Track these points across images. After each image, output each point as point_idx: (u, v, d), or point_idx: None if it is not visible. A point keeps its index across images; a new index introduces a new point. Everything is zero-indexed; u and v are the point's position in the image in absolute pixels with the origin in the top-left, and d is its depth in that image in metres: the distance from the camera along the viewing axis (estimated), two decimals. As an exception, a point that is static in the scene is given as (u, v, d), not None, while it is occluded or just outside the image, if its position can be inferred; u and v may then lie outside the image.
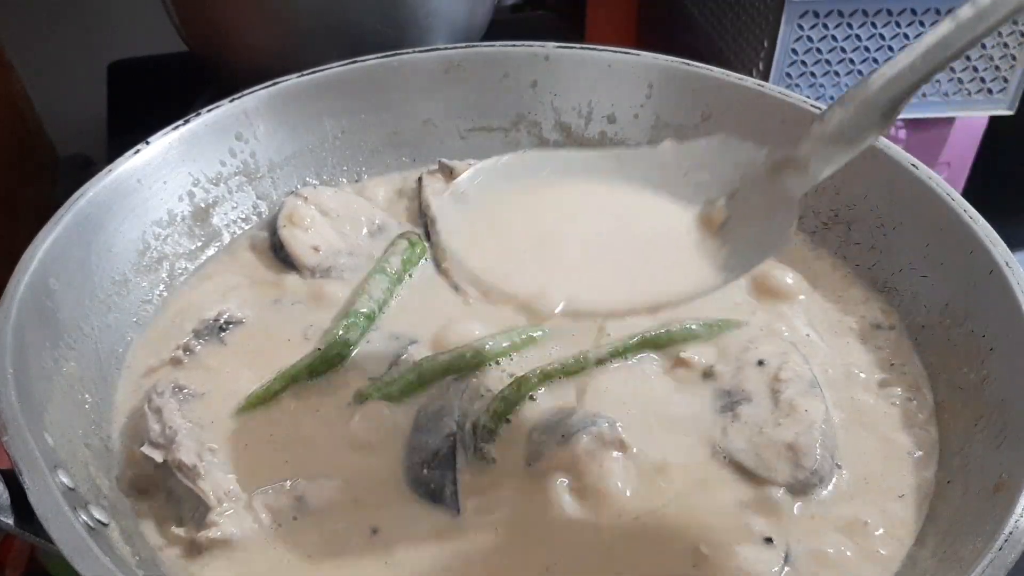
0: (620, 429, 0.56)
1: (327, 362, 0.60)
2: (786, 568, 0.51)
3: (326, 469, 0.54)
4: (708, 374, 0.62)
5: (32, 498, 0.44)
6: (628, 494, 0.54)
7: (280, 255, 0.69)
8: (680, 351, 0.62)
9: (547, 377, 0.60)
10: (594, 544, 0.52)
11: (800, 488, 0.54)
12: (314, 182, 0.77)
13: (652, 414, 0.59)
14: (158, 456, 0.53)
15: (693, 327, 0.64)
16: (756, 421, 0.57)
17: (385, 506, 0.53)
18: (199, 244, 0.70)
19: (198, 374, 0.60)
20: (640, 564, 0.51)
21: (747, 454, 0.56)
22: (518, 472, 0.55)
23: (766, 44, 0.89)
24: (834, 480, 0.55)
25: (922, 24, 0.88)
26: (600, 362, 0.61)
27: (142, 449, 0.53)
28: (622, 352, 0.62)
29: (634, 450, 0.56)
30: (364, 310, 0.64)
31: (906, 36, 0.89)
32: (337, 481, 0.54)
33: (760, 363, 0.61)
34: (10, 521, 0.46)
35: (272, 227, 0.70)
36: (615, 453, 0.55)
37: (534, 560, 0.51)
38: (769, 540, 0.52)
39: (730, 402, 0.59)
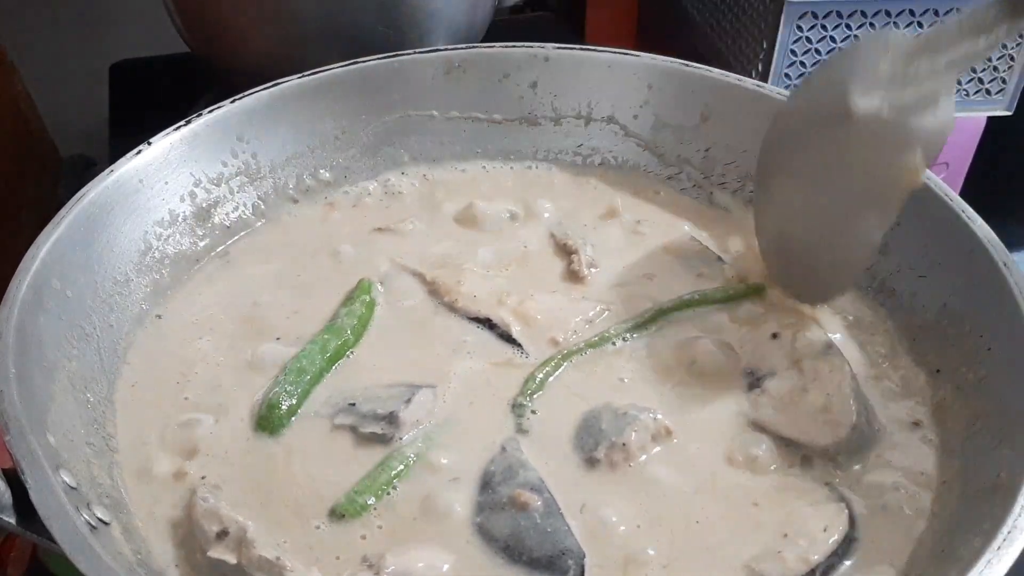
0: (662, 417, 0.57)
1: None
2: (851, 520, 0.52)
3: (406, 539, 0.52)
4: (727, 354, 0.62)
5: (34, 497, 0.44)
6: (682, 476, 0.55)
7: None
8: (694, 334, 0.63)
9: (570, 356, 0.62)
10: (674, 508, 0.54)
11: (845, 447, 0.55)
12: (312, 182, 0.77)
13: (681, 399, 0.60)
14: (232, 557, 0.48)
15: (706, 293, 0.67)
16: (785, 392, 0.58)
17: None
18: (201, 244, 0.71)
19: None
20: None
21: (785, 426, 0.57)
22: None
23: (765, 45, 0.90)
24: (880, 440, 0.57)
25: (920, 25, 0.88)
26: (622, 338, 0.63)
27: (210, 554, 0.49)
28: (641, 324, 0.64)
29: (677, 437, 0.57)
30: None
31: (905, 37, 0.89)
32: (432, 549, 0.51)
33: (774, 336, 0.62)
34: (12, 520, 0.46)
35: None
36: (664, 442, 0.57)
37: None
38: (840, 500, 0.53)
39: (755, 379, 0.60)
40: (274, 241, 0.74)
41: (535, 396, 0.59)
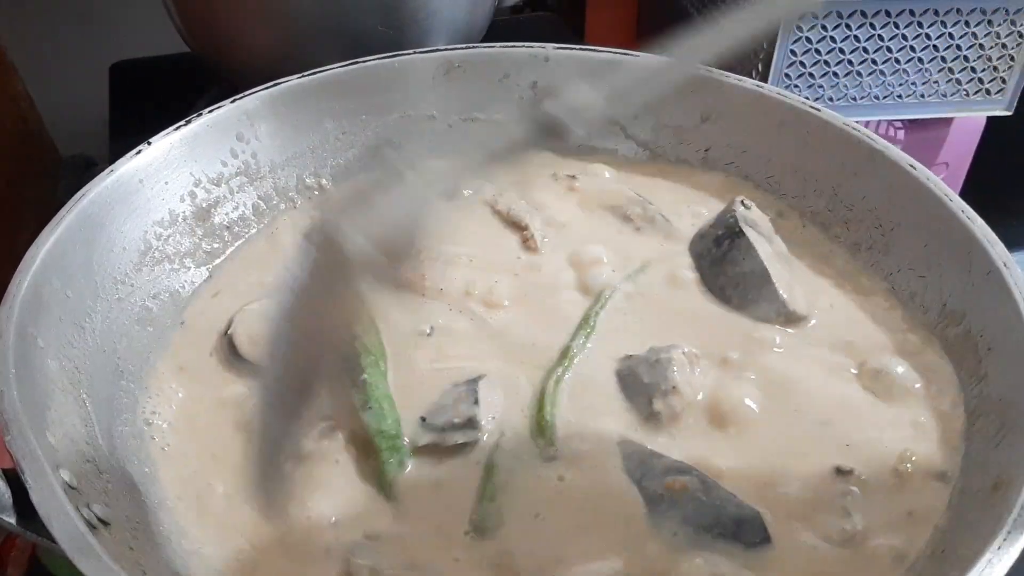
0: (689, 348, 0.59)
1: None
2: None
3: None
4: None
5: (34, 497, 0.44)
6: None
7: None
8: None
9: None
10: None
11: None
12: (312, 183, 0.77)
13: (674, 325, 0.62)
14: None
15: None
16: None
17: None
18: (201, 244, 0.70)
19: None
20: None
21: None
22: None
23: (765, 45, 0.90)
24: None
25: (920, 25, 0.89)
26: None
27: None
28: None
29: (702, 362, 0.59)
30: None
31: (904, 37, 0.89)
32: None
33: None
34: (12, 520, 0.46)
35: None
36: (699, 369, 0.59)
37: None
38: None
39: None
40: (273, 241, 0.74)
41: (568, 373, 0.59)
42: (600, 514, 0.52)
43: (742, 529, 0.50)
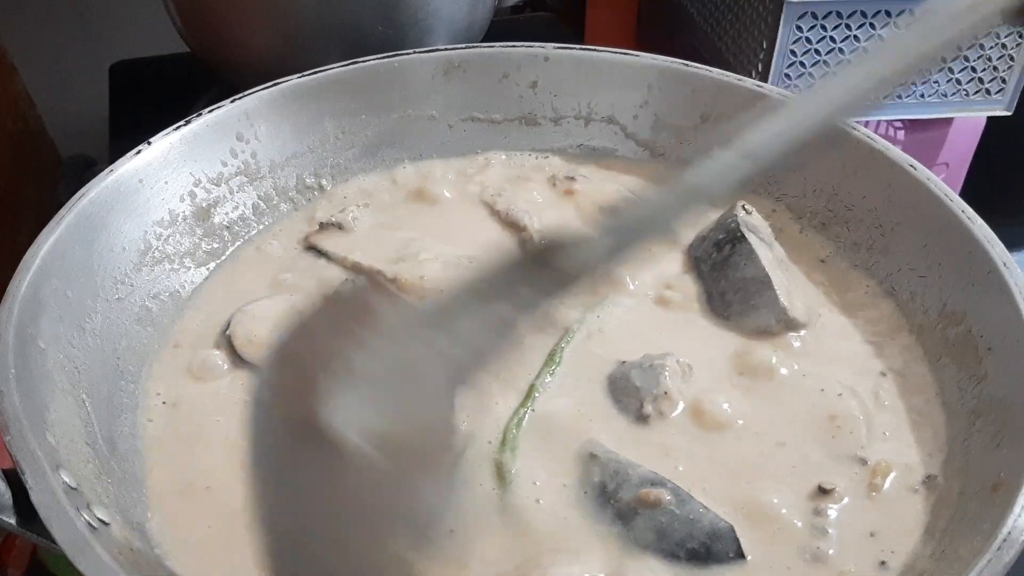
0: (678, 356, 0.59)
1: None
2: None
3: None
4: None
5: (34, 497, 0.44)
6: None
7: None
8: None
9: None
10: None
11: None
12: (312, 182, 0.77)
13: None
14: None
15: None
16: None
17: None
18: (201, 244, 0.71)
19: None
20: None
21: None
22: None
23: (765, 45, 0.90)
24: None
25: (921, 25, 0.88)
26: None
27: None
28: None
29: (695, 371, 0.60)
30: None
31: (905, 37, 0.89)
32: None
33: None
34: (12, 520, 0.46)
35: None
36: (689, 378, 0.59)
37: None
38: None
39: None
40: (271, 242, 0.74)
41: (556, 371, 0.60)
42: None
43: (715, 543, 0.50)
